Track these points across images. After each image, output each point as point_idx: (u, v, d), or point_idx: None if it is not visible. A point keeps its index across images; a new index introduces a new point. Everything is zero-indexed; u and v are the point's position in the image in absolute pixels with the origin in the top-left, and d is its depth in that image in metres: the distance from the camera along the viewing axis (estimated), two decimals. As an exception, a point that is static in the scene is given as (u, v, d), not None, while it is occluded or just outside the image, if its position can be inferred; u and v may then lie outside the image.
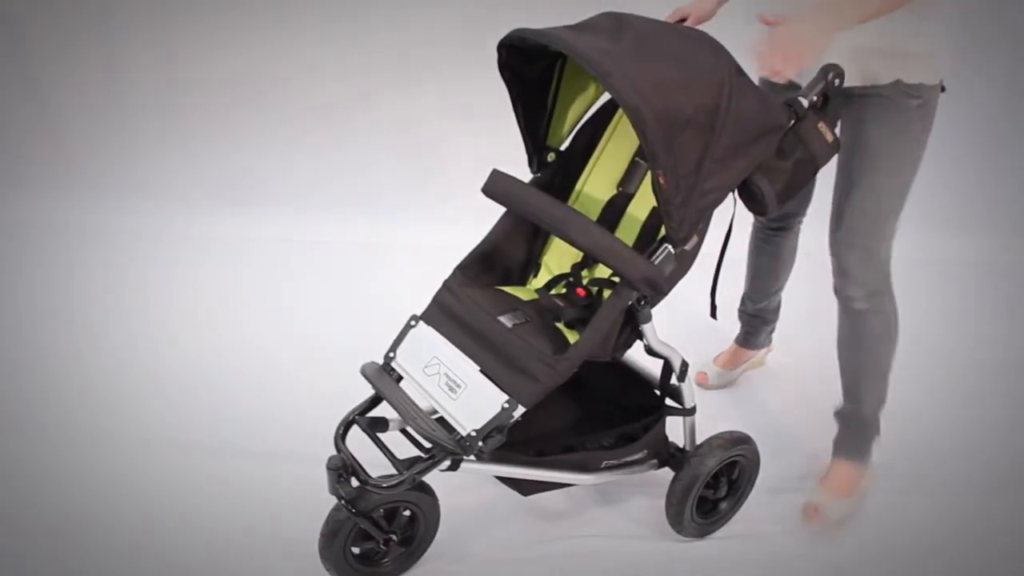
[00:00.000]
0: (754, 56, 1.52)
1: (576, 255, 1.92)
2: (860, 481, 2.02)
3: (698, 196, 1.52)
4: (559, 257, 1.95)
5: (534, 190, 1.67)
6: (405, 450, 1.70)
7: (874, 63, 1.72)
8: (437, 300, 1.80)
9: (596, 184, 1.91)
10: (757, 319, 2.41)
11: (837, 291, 1.89)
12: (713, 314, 1.83)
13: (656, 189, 1.47)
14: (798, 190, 1.70)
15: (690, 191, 1.50)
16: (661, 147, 1.41)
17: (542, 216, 1.62)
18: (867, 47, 1.70)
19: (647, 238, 1.83)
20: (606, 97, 1.85)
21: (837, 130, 1.72)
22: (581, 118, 1.86)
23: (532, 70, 1.72)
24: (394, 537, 1.76)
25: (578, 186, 1.92)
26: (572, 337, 1.71)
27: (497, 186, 1.68)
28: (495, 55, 1.68)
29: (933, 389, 2.43)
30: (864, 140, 1.78)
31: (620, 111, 1.88)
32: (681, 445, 1.94)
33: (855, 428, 2.01)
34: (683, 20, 1.90)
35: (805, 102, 1.62)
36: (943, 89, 1.81)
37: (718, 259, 1.77)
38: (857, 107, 1.77)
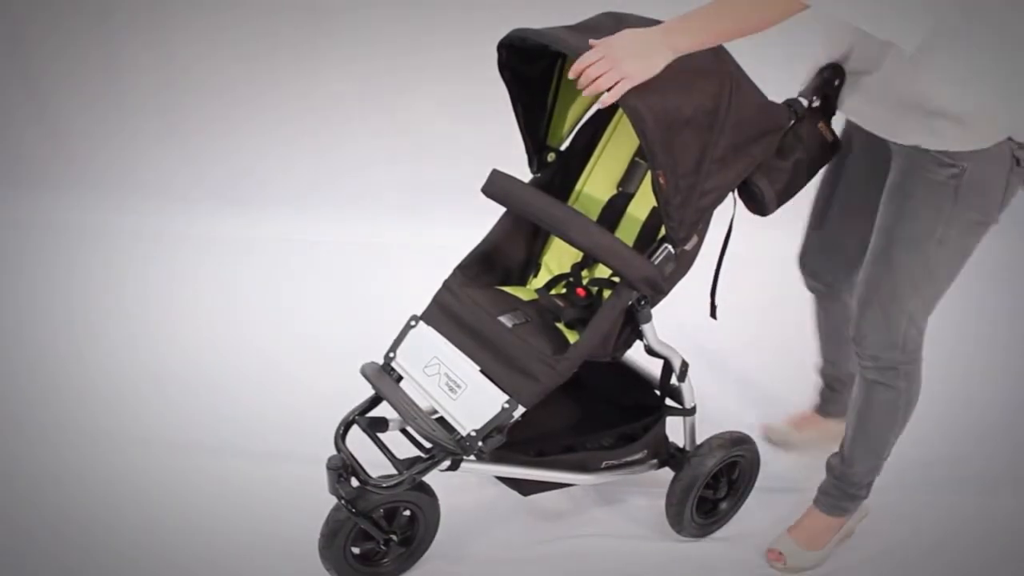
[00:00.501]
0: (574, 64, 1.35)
1: (576, 255, 1.92)
2: (832, 534, 1.91)
3: (698, 196, 1.52)
4: (559, 257, 1.95)
5: (534, 190, 1.67)
6: (405, 450, 1.70)
7: (898, 117, 1.52)
8: (437, 300, 1.80)
9: (596, 184, 1.91)
10: (827, 388, 2.19)
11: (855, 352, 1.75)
12: (713, 314, 1.83)
13: (656, 189, 1.48)
14: (797, 190, 1.70)
15: (690, 191, 1.50)
16: (660, 147, 1.41)
17: (542, 216, 1.62)
18: (894, 95, 1.50)
19: (647, 238, 1.83)
20: None
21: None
22: (581, 119, 1.87)
23: (532, 70, 1.72)
24: (394, 537, 1.76)
25: (578, 186, 1.92)
26: (572, 337, 1.72)
27: (497, 186, 1.68)
28: (495, 55, 1.68)
29: (933, 390, 2.42)
30: (887, 205, 1.61)
31: (620, 111, 1.88)
32: (681, 445, 1.94)
33: (840, 484, 1.89)
34: None
35: (805, 102, 1.62)
36: (1018, 162, 1.50)
37: (718, 259, 1.77)
38: (896, 164, 1.60)
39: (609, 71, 1.32)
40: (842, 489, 1.88)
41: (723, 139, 1.49)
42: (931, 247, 1.56)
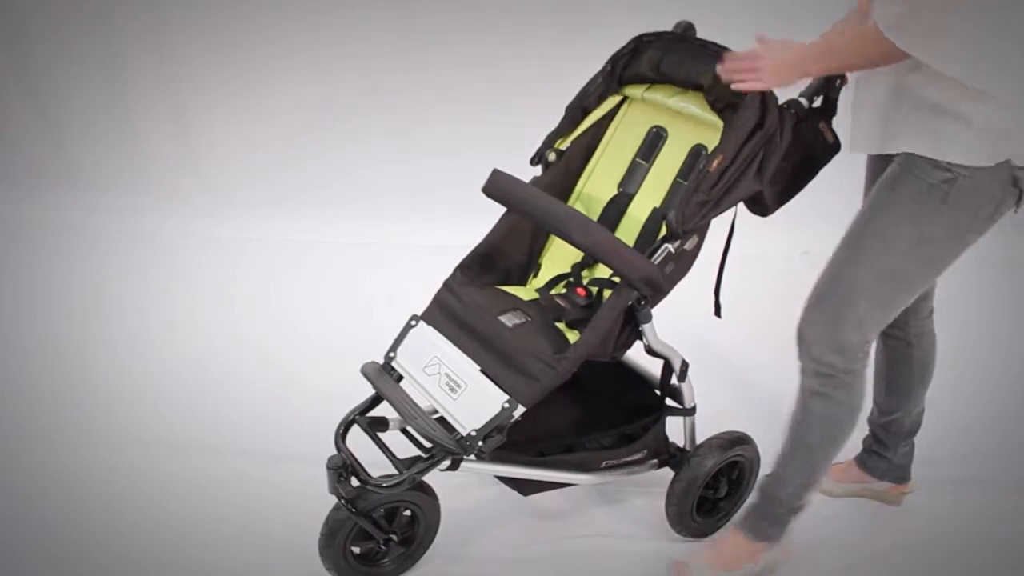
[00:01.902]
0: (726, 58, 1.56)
1: (576, 255, 1.92)
2: (749, 560, 1.79)
3: (716, 201, 1.57)
4: (559, 257, 1.95)
5: (534, 190, 1.68)
6: (405, 450, 1.70)
7: (903, 122, 1.48)
8: (437, 300, 1.80)
9: (597, 184, 1.91)
10: (872, 438, 2.04)
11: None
12: (717, 312, 1.83)
13: (702, 170, 1.55)
14: (798, 191, 1.70)
15: (719, 193, 1.57)
16: (744, 133, 1.54)
17: (542, 216, 1.62)
18: (910, 99, 1.46)
19: (647, 238, 1.83)
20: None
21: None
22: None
23: (621, 88, 1.86)
24: (394, 537, 1.76)
25: (579, 186, 1.92)
26: (572, 337, 1.72)
27: (497, 186, 1.68)
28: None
29: (934, 388, 2.42)
30: (873, 196, 1.55)
31: (621, 113, 1.90)
32: (681, 445, 1.94)
33: (766, 505, 1.76)
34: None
35: (805, 102, 1.63)
36: (1015, 183, 1.46)
37: (721, 258, 1.77)
38: (894, 161, 1.54)
39: (751, 77, 1.52)
40: (767, 510, 1.76)
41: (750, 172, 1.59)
42: (903, 245, 1.51)
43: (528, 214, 1.67)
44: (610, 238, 1.60)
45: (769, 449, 2.04)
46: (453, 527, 1.88)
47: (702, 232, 1.64)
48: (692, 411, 1.90)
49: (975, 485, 2.14)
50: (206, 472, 2.14)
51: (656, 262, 1.59)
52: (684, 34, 1.77)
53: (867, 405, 1.80)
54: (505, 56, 3.23)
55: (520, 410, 1.58)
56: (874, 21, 1.36)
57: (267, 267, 3.26)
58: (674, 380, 1.85)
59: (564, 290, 1.91)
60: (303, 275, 3.21)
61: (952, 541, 1.97)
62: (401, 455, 1.67)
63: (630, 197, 1.88)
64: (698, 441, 1.92)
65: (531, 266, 1.96)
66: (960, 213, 1.47)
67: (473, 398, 1.62)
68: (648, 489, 2.05)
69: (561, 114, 1.91)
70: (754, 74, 1.52)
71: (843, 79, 1.65)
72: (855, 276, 1.55)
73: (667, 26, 1.80)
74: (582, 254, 1.91)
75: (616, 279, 1.77)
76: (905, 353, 1.91)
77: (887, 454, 2.00)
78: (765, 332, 2.77)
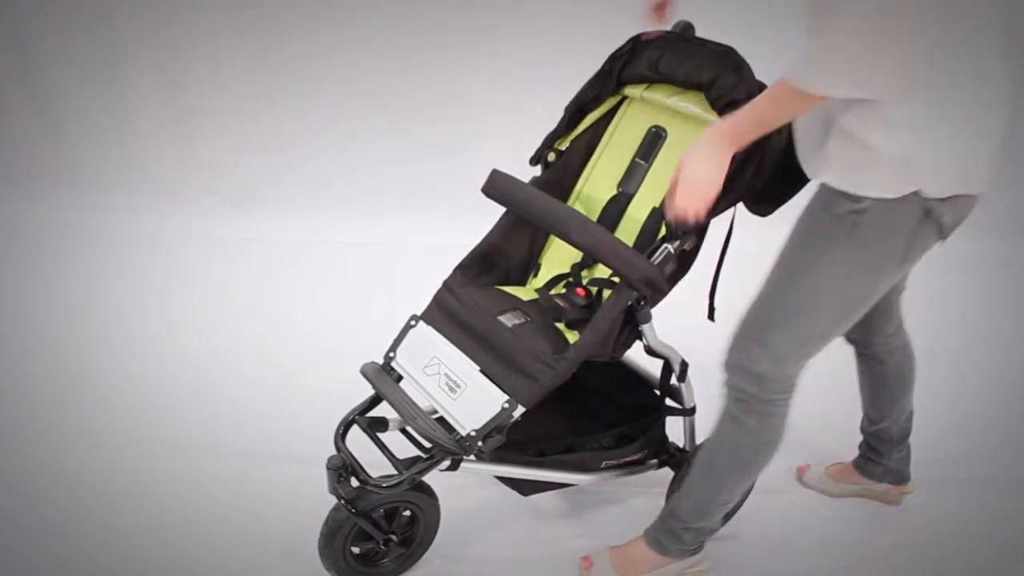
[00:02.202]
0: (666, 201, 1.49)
1: (576, 255, 1.92)
2: (648, 569, 1.78)
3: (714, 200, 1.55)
4: (559, 257, 1.95)
5: (534, 190, 1.68)
6: (405, 450, 1.70)
7: (819, 148, 1.43)
8: (437, 300, 1.80)
9: (596, 184, 1.91)
10: (866, 444, 2.04)
11: None
12: (711, 316, 1.83)
13: None
14: (797, 190, 1.70)
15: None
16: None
17: (542, 216, 1.62)
18: (828, 124, 1.40)
19: (647, 238, 1.83)
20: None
21: None
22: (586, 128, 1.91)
23: (620, 88, 1.84)
24: (394, 537, 1.76)
25: (578, 186, 1.92)
26: (572, 337, 1.72)
27: (496, 186, 1.68)
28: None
29: (934, 389, 2.43)
30: (791, 231, 1.52)
31: (620, 113, 1.90)
32: (681, 445, 1.94)
33: (666, 516, 1.75)
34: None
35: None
36: (928, 215, 1.38)
37: (718, 261, 1.77)
38: (815, 192, 1.50)
39: (691, 208, 1.46)
40: (666, 523, 1.75)
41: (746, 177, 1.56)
42: (813, 278, 1.46)
43: (528, 214, 1.67)
44: (610, 238, 1.60)
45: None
46: (453, 527, 1.88)
47: (702, 232, 1.64)
48: (692, 411, 1.90)
49: (975, 485, 2.14)
50: (206, 472, 2.14)
51: (656, 262, 1.59)
52: (683, 33, 1.77)
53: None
54: (505, 56, 3.23)
55: (520, 410, 1.58)
56: (790, 77, 1.28)
57: (267, 267, 3.26)
58: (674, 380, 1.85)
59: (564, 290, 1.91)
60: (303, 275, 3.21)
61: (952, 541, 1.97)
62: (401, 455, 1.67)
63: (629, 197, 1.88)
64: (698, 441, 1.92)
65: (531, 266, 1.96)
66: (870, 246, 1.41)
67: (473, 398, 1.62)
68: (648, 489, 2.05)
69: (561, 114, 1.91)
70: (695, 201, 1.45)
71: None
72: (769, 309, 1.52)
73: (666, 25, 1.80)
74: (582, 254, 1.91)
75: (616, 279, 1.77)
76: (878, 370, 1.89)
77: (882, 460, 2.01)
78: (765, 332, 2.79)
